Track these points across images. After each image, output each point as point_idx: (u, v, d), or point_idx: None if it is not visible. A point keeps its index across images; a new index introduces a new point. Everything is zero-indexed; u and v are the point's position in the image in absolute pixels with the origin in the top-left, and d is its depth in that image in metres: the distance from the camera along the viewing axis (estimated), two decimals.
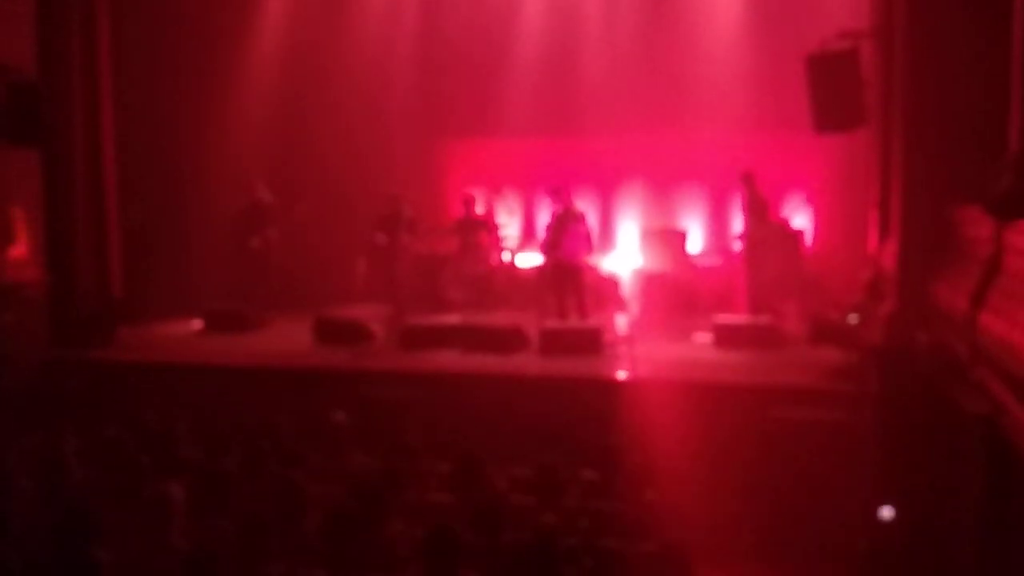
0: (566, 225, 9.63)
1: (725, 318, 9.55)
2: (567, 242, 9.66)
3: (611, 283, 10.86)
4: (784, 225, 9.75)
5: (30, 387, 8.58)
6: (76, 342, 9.31)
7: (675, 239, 11.26)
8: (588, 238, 9.80)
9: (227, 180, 11.27)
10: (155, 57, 10.93)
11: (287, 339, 9.68)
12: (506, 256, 11.46)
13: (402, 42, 12.18)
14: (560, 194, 9.77)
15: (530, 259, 11.49)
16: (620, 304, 10.63)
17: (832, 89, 6.83)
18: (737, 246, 10.11)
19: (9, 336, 8.63)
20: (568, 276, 9.76)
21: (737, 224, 10.08)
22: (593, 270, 10.63)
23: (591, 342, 8.88)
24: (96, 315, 9.65)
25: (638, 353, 8.88)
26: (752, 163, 10.02)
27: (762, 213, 9.73)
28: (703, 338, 9.34)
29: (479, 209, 11.69)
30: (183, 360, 9.02)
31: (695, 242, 11.42)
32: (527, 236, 12.26)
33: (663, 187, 12.07)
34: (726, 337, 9.05)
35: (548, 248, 9.78)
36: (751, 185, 9.81)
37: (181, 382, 8.32)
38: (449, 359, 8.82)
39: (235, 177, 11.21)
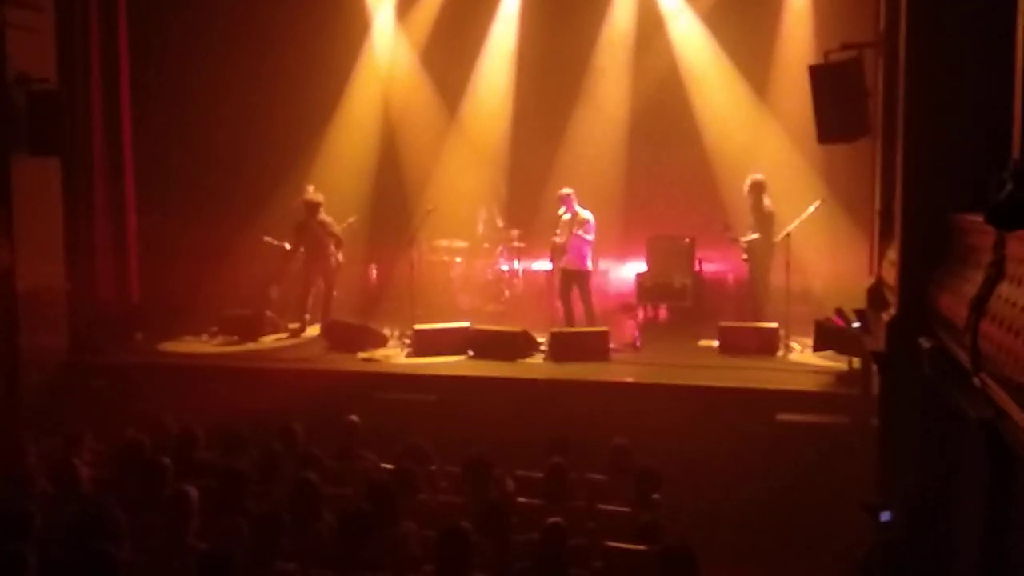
0: (572, 232, 9.73)
1: (730, 324, 9.64)
2: (573, 248, 9.76)
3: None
4: (788, 233, 9.80)
5: (50, 390, 8.73)
6: (95, 347, 9.45)
7: (682, 246, 11.34)
8: (591, 244, 9.88)
9: (247, 187, 11.39)
10: (174, 66, 11.07)
11: (303, 344, 9.83)
12: (503, 266, 11.54)
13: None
14: (567, 201, 9.86)
15: (539, 265, 11.58)
16: (628, 309, 10.72)
17: (836, 99, 6.87)
18: (744, 253, 10.15)
19: (30, 341, 8.73)
20: (575, 282, 9.87)
21: (744, 232, 10.10)
22: (600, 275, 10.71)
23: (598, 347, 8.99)
24: (114, 320, 9.80)
25: (645, 358, 8.99)
26: (759, 172, 10.08)
27: (769, 221, 9.76)
28: (709, 343, 9.42)
29: (485, 218, 11.82)
30: (200, 364, 9.16)
31: (702, 249, 11.48)
32: (536, 243, 12.34)
33: (671, 194, 12.15)
34: (731, 342, 9.14)
35: (555, 255, 9.88)
36: (760, 194, 9.83)
37: (198, 386, 8.44)
38: (459, 363, 8.93)
39: (255, 184, 11.33)
